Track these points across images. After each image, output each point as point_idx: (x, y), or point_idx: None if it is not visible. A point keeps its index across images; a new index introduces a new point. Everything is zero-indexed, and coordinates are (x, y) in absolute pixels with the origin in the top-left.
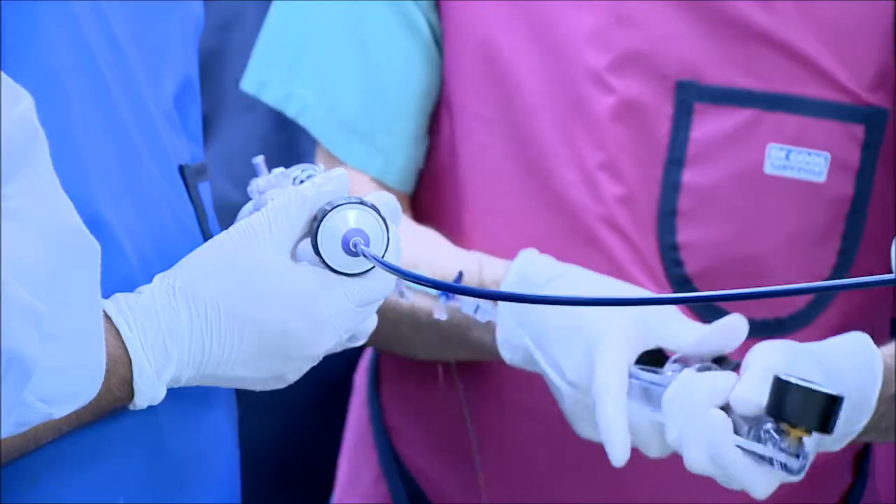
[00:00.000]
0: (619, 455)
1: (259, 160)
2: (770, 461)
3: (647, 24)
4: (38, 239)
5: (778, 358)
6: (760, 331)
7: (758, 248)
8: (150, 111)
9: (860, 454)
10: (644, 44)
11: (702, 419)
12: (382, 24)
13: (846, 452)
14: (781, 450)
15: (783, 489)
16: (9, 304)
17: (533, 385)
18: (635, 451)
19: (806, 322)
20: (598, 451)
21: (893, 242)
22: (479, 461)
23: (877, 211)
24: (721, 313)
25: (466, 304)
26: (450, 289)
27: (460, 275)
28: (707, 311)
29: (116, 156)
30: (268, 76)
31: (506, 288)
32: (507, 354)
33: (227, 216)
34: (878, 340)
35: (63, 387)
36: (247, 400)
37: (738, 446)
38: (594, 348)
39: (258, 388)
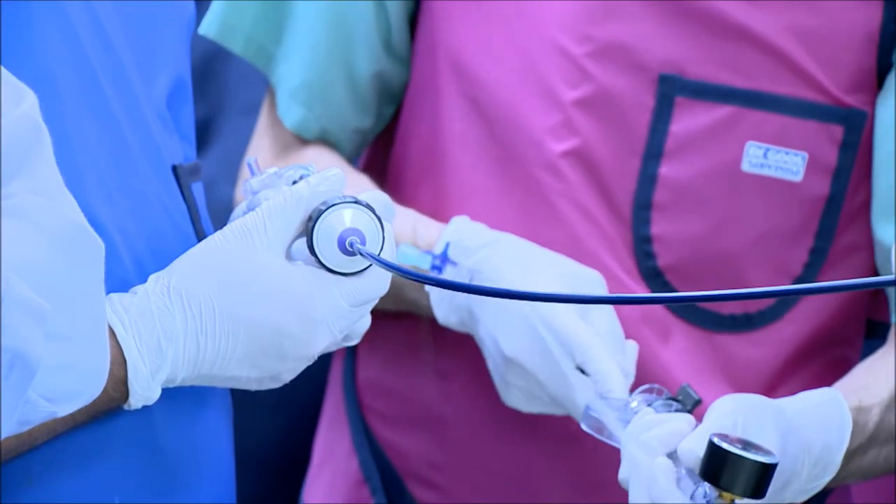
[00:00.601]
0: None
1: (252, 160)
2: None
3: (630, 18)
4: (42, 237)
5: (736, 417)
6: (730, 326)
7: (731, 245)
8: (143, 111)
9: None
10: (627, 36)
11: (648, 465)
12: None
13: None
14: None
15: None
16: (13, 303)
17: None
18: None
19: (775, 318)
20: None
21: (894, 246)
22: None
23: (852, 211)
24: (691, 307)
25: (460, 274)
26: (448, 286)
27: (448, 246)
28: (678, 305)
29: (110, 156)
30: (235, 23)
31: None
32: (441, 314)
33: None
34: (852, 340)
35: (67, 385)
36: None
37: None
38: (547, 321)
39: (253, 387)
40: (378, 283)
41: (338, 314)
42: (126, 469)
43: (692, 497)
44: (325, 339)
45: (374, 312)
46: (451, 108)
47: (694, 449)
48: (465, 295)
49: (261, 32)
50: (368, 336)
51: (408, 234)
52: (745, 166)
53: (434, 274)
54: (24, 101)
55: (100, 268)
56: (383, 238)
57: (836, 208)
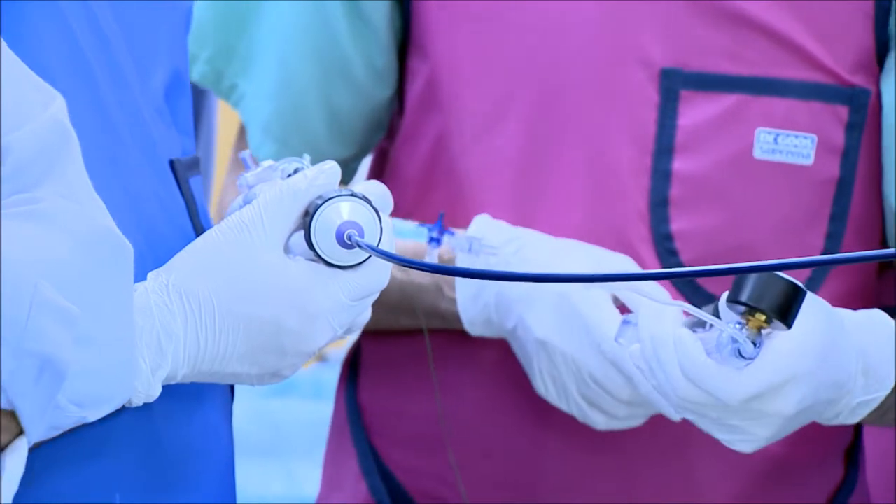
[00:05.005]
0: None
1: (246, 154)
2: (734, 347)
3: (630, 12)
4: (70, 241)
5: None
6: None
7: (750, 234)
8: (139, 107)
9: (851, 448)
10: (628, 31)
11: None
12: (331, 32)
13: (837, 445)
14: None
15: (774, 482)
16: (41, 307)
17: (515, 380)
18: (627, 452)
19: None
20: (584, 447)
21: None
22: (452, 455)
23: (862, 192)
24: (703, 293)
25: (459, 243)
26: (447, 272)
27: (441, 217)
28: (690, 292)
29: (107, 153)
30: (197, 53)
31: (461, 256)
32: (468, 319)
33: None
34: None
35: (96, 389)
36: None
37: (692, 329)
38: (578, 305)
39: (254, 383)
40: (377, 276)
41: (337, 308)
42: (126, 466)
43: (718, 344)
44: (325, 335)
45: (376, 334)
46: (465, 115)
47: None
48: (493, 292)
49: (224, 61)
50: (369, 359)
51: (412, 251)
52: (757, 153)
53: (432, 247)
54: (52, 105)
55: (129, 272)
56: (381, 230)
57: (847, 190)
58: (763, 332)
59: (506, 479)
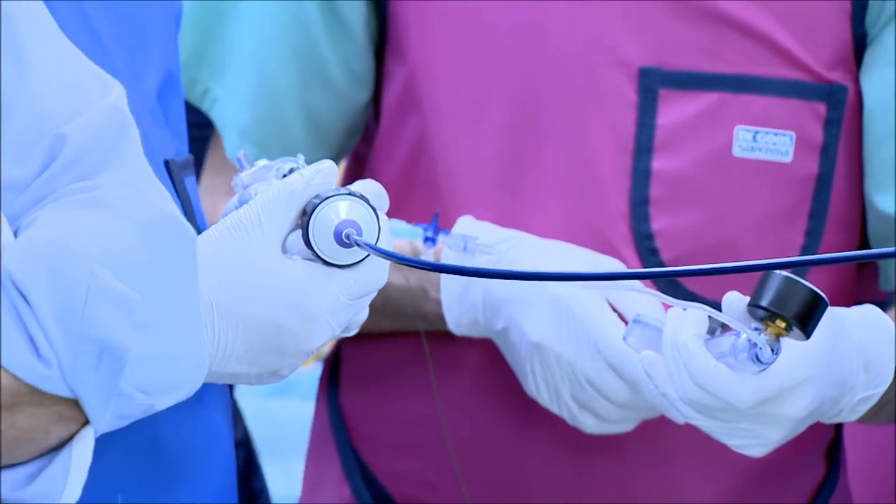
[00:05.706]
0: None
1: (241, 154)
2: (752, 352)
3: (606, 12)
4: (129, 227)
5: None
6: None
7: (730, 232)
8: (133, 107)
9: (831, 447)
10: (604, 31)
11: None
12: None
13: (818, 444)
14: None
15: (756, 482)
16: (98, 294)
17: (501, 380)
18: (621, 450)
19: None
20: (573, 445)
21: None
22: (454, 456)
23: (840, 189)
24: (683, 291)
25: (454, 243)
26: (447, 270)
27: (436, 216)
28: (671, 291)
29: None
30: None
31: (446, 252)
32: (453, 318)
33: None
34: None
35: (163, 377)
36: None
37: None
38: (575, 308)
39: (253, 383)
40: (376, 274)
41: (336, 307)
42: (128, 466)
43: (734, 349)
44: (324, 334)
45: (356, 336)
46: (442, 119)
47: (736, 298)
48: (479, 291)
49: (196, 66)
50: (349, 361)
51: (407, 249)
52: (736, 151)
53: (427, 246)
54: (110, 93)
55: (192, 257)
56: (379, 228)
57: (826, 186)
58: (780, 339)
59: (492, 480)
